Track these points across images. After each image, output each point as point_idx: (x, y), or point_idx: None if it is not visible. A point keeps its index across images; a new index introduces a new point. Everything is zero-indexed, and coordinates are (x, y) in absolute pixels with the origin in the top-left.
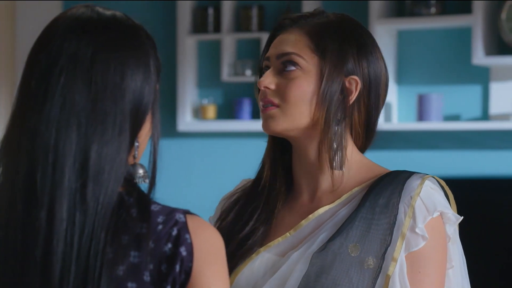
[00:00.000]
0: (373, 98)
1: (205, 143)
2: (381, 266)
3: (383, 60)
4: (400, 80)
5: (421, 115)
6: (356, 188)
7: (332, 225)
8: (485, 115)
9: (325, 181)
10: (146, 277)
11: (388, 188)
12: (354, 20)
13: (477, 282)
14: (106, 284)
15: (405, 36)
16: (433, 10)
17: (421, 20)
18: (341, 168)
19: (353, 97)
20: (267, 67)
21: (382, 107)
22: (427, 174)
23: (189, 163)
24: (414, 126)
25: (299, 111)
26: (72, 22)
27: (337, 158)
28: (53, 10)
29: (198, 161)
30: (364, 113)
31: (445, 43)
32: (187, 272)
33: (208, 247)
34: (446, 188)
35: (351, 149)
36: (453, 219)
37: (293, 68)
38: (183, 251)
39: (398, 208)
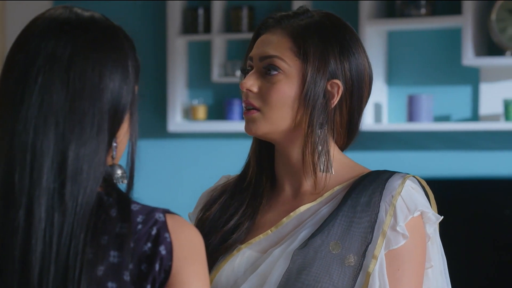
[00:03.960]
0: (356, 100)
1: (196, 144)
2: (362, 264)
3: (366, 56)
4: (390, 81)
5: (411, 116)
6: (338, 187)
7: (314, 222)
8: (475, 116)
9: (308, 182)
10: (126, 277)
11: (369, 187)
12: (337, 19)
13: (466, 282)
14: (86, 284)
15: (395, 37)
16: (423, 11)
17: (411, 21)
18: (327, 170)
19: (335, 100)
20: (251, 67)
21: (365, 105)
22: (408, 174)
23: (180, 163)
24: (404, 126)
25: (280, 115)
26: (50, 23)
27: (322, 161)
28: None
29: (189, 161)
30: (346, 115)
31: (435, 44)
32: (167, 271)
33: (187, 246)
34: (427, 187)
35: (333, 149)
36: (433, 218)
37: (275, 72)
38: (162, 250)
39: (379, 206)
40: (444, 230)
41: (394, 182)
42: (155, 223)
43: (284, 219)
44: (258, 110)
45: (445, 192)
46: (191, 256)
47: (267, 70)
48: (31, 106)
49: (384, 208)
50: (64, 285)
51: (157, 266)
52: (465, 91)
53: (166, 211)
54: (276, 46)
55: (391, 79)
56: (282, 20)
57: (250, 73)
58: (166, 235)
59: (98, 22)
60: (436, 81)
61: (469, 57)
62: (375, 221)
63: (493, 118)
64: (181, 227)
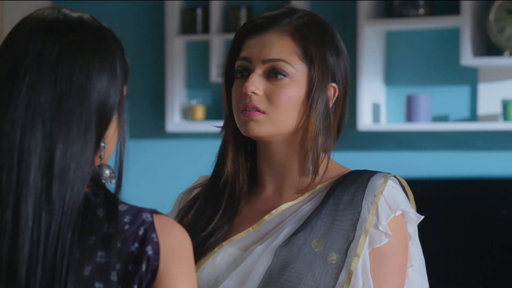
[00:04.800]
0: (347, 101)
1: (194, 144)
2: (344, 262)
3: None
4: (388, 81)
5: (410, 116)
6: (319, 186)
7: (296, 220)
8: (473, 116)
9: (292, 180)
10: (113, 277)
11: (352, 185)
12: (323, 19)
13: (464, 281)
14: (73, 284)
15: (393, 37)
16: (421, 11)
17: (410, 21)
18: (324, 173)
19: (331, 103)
20: (245, 69)
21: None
22: (390, 173)
23: (178, 163)
24: (402, 127)
25: (285, 118)
26: (38, 23)
27: (323, 164)
28: None
29: (187, 161)
30: (339, 116)
31: (434, 44)
32: (154, 271)
33: (174, 246)
34: (407, 187)
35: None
36: (414, 218)
37: (282, 76)
38: (149, 250)
39: (361, 205)
40: (443, 230)
41: (377, 181)
42: (142, 223)
43: (266, 216)
44: (262, 112)
45: (443, 192)
46: (178, 256)
47: (272, 72)
48: (18, 105)
49: (366, 207)
50: (51, 285)
51: (144, 267)
52: (463, 91)
53: (153, 212)
54: (281, 48)
55: (390, 79)
56: (277, 19)
57: (253, 76)
58: (153, 235)
59: (86, 23)
60: (435, 81)
61: (468, 57)
62: (358, 220)
63: (491, 118)
64: (168, 228)
